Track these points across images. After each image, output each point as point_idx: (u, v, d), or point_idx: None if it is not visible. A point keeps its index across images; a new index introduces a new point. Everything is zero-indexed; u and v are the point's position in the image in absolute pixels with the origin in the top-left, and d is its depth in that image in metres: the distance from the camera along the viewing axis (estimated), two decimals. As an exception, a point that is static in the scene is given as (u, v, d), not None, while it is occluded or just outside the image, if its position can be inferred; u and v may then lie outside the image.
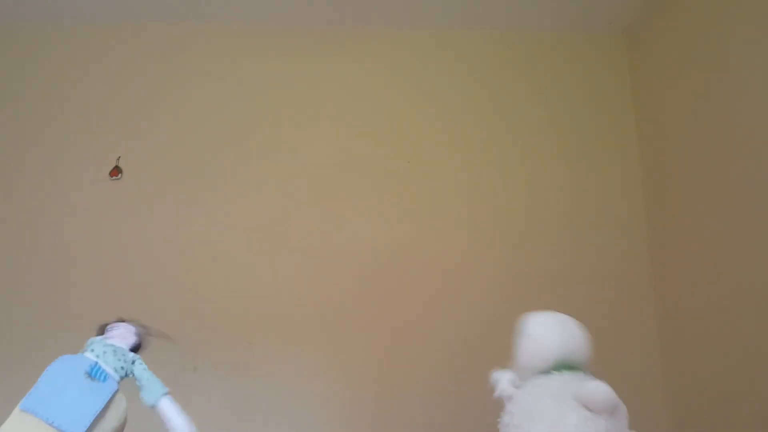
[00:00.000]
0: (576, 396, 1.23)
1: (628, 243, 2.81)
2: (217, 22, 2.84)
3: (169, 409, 1.47)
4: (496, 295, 2.70)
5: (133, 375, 1.51)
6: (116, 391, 1.44)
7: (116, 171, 2.68)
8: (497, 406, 1.43)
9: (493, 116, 2.89)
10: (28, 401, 1.35)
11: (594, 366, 2.69)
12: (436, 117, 2.87)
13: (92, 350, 1.47)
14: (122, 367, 1.48)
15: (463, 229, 2.76)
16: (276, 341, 2.58)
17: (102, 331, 1.56)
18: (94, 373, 1.43)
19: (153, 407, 1.48)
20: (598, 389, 1.22)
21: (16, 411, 1.35)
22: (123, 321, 1.59)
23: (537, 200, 2.82)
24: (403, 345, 2.63)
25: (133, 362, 1.51)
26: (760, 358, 2.10)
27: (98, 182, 2.67)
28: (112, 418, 1.43)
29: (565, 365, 1.38)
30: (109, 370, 1.45)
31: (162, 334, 1.61)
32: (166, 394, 1.49)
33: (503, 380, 1.39)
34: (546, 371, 1.39)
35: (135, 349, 1.56)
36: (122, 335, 1.53)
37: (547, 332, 1.44)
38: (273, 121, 2.80)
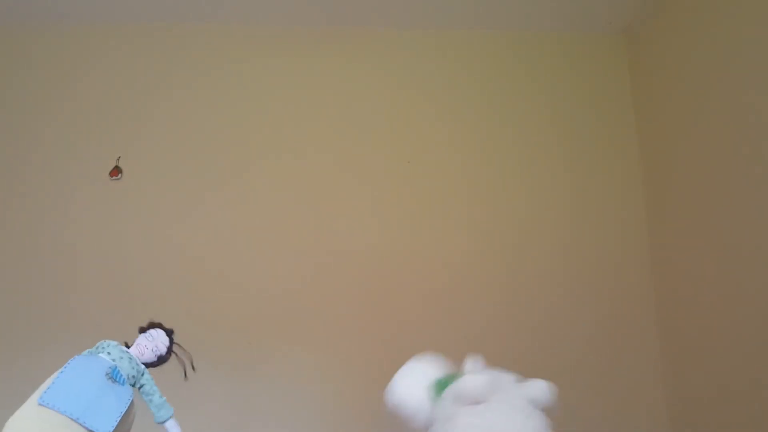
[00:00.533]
0: (528, 390, 1.27)
1: (628, 242, 2.81)
2: (218, 22, 2.84)
3: (176, 428, 1.53)
4: (496, 294, 2.70)
5: (141, 387, 1.53)
6: (132, 399, 1.46)
7: (116, 171, 2.68)
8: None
9: (493, 116, 2.89)
10: (50, 396, 1.33)
11: (594, 366, 2.71)
12: (436, 117, 2.87)
13: (108, 353, 1.48)
14: (133, 376, 1.50)
15: (464, 228, 2.76)
16: (276, 341, 2.58)
17: (147, 328, 1.58)
18: (115, 376, 1.44)
19: (161, 423, 1.52)
20: (546, 386, 1.26)
21: (33, 405, 1.32)
22: (166, 331, 1.60)
23: (537, 200, 2.82)
24: (403, 344, 2.62)
25: (142, 374, 1.53)
26: (760, 357, 2.10)
27: (98, 182, 2.67)
28: (126, 422, 1.45)
29: (441, 384, 1.41)
30: (124, 375, 1.47)
31: (186, 360, 1.62)
32: (173, 415, 1.54)
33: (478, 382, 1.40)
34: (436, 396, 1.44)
35: (149, 363, 1.57)
36: (143, 348, 1.54)
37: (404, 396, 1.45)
38: (273, 121, 2.80)
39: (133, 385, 1.51)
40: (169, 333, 1.60)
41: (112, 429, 1.36)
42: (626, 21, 2.92)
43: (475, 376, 1.27)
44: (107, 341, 1.52)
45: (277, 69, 2.86)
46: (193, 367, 1.62)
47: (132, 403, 1.45)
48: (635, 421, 2.66)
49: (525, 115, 2.90)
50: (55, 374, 1.39)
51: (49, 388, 1.35)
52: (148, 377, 1.54)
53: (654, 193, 2.79)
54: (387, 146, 2.82)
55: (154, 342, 1.55)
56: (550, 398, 1.31)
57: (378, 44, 2.92)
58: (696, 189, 2.48)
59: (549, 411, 1.42)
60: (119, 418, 1.39)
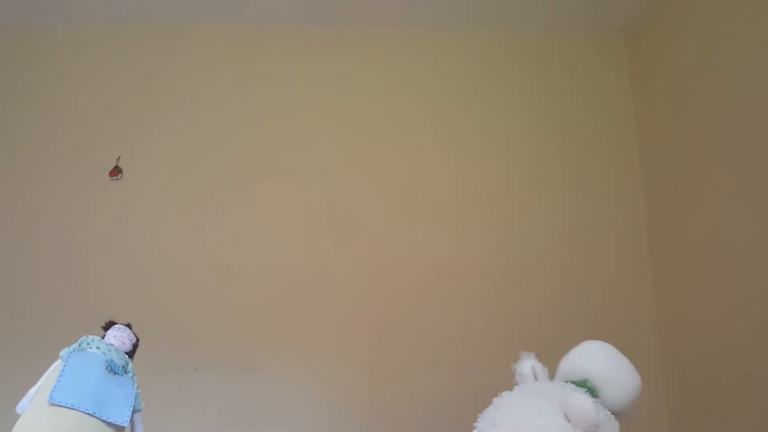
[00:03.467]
0: (561, 402, 1.22)
1: (628, 243, 2.81)
2: (218, 22, 2.84)
3: (140, 426, 1.51)
4: (497, 293, 2.70)
5: (126, 373, 1.51)
6: (133, 383, 1.48)
7: (116, 171, 2.68)
8: (490, 400, 1.43)
9: (493, 116, 2.89)
10: (60, 394, 1.31)
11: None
12: (436, 117, 2.87)
13: (98, 347, 1.47)
14: (122, 367, 1.49)
15: (465, 228, 2.77)
16: (276, 341, 2.58)
17: (108, 326, 1.56)
18: (114, 368, 1.44)
19: (133, 413, 1.50)
20: (582, 402, 1.20)
21: (43, 405, 1.30)
22: (126, 325, 1.59)
23: (537, 200, 2.82)
24: (404, 344, 2.63)
25: (128, 363, 1.52)
26: (760, 357, 2.10)
27: (98, 182, 2.67)
28: (135, 411, 1.46)
29: (582, 383, 1.38)
30: (118, 366, 1.47)
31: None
32: (142, 409, 1.52)
33: (527, 365, 1.38)
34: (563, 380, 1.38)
35: (128, 353, 1.57)
36: (121, 338, 1.53)
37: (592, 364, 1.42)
38: (273, 121, 2.80)
39: (122, 374, 1.50)
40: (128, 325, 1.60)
41: (128, 418, 1.37)
42: (626, 21, 2.93)
43: (594, 407, 1.22)
44: (90, 336, 1.50)
45: (277, 69, 2.86)
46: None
47: (133, 388, 1.47)
48: (634, 426, 2.66)
49: (525, 115, 2.90)
50: (57, 372, 1.38)
51: (57, 386, 1.33)
52: (131, 367, 1.53)
53: (654, 192, 2.79)
54: (387, 146, 2.82)
55: (125, 332, 1.55)
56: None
57: (378, 44, 2.92)
58: (696, 188, 2.48)
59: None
60: (132, 406, 1.40)
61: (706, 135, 2.41)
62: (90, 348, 1.47)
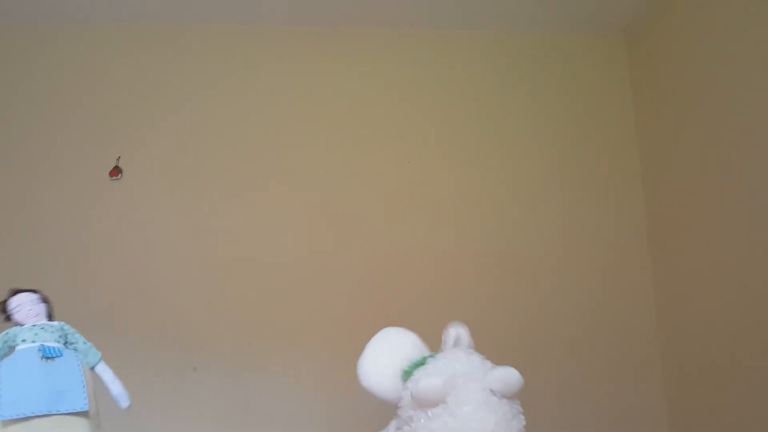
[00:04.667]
0: (489, 381, 1.24)
1: (627, 243, 2.81)
2: (218, 22, 2.83)
3: (107, 372, 1.46)
4: (497, 293, 2.71)
5: (66, 341, 1.46)
6: (78, 357, 1.42)
7: (116, 171, 2.68)
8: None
9: (493, 116, 2.89)
10: (7, 409, 1.27)
11: (592, 364, 2.71)
12: (436, 117, 2.87)
13: (23, 340, 1.40)
14: (60, 336, 1.44)
15: (465, 228, 2.77)
16: (276, 341, 2.58)
17: (3, 308, 1.47)
18: (49, 353, 1.37)
19: (91, 369, 1.46)
20: (511, 374, 1.23)
21: None
22: (18, 292, 1.50)
23: (537, 200, 2.82)
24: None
25: (62, 327, 1.46)
26: (760, 357, 2.10)
27: (98, 182, 2.67)
28: (88, 383, 1.41)
29: (408, 372, 1.38)
30: (53, 345, 1.40)
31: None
32: (101, 358, 1.47)
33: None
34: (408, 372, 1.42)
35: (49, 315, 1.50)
36: (35, 312, 1.46)
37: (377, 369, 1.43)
38: (273, 121, 2.80)
39: (66, 344, 1.45)
40: (16, 290, 1.51)
41: (86, 399, 1.33)
42: (626, 21, 2.92)
43: (430, 380, 1.24)
44: (8, 332, 1.42)
45: (277, 69, 2.85)
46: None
47: (81, 365, 1.41)
48: (635, 420, 2.66)
49: (525, 115, 2.90)
50: None
51: (1, 402, 1.28)
52: (68, 327, 1.47)
53: (654, 192, 2.79)
54: (387, 146, 2.82)
55: (28, 304, 1.47)
56: (516, 385, 1.27)
57: (378, 44, 2.92)
58: (696, 188, 2.48)
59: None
60: (84, 386, 1.35)
61: (706, 135, 2.41)
62: (17, 343, 1.39)
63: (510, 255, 2.75)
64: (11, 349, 1.40)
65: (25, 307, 1.46)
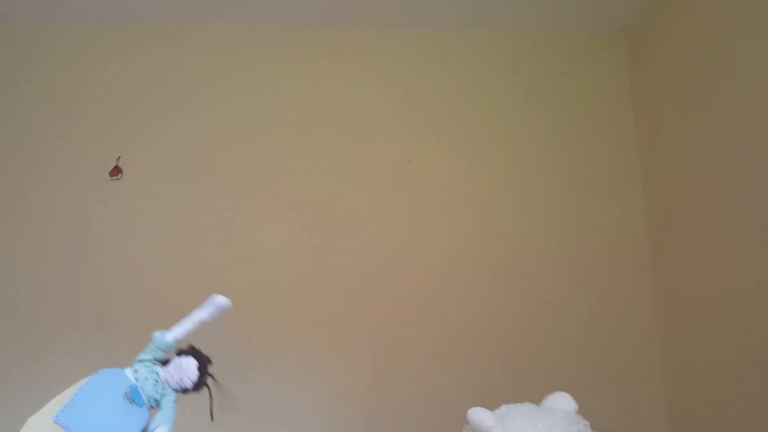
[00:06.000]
0: None
1: (627, 243, 2.81)
2: (218, 22, 2.84)
3: None
4: (497, 294, 2.71)
5: (159, 405, 1.49)
6: (148, 422, 1.44)
7: (116, 171, 2.68)
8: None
9: (493, 116, 2.89)
10: (65, 415, 1.33)
11: (590, 364, 2.71)
12: (436, 117, 2.87)
13: (135, 371, 1.45)
14: (155, 399, 1.47)
15: (465, 229, 2.77)
16: (275, 341, 2.58)
17: (184, 353, 1.51)
18: (133, 397, 1.42)
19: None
20: None
21: (49, 421, 1.32)
22: (198, 356, 1.53)
23: (537, 200, 2.82)
24: (403, 345, 2.64)
25: (168, 395, 1.49)
26: (760, 357, 2.10)
27: (98, 182, 2.67)
28: None
29: None
30: (143, 396, 1.44)
31: (213, 400, 1.55)
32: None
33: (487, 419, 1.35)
34: None
35: (182, 389, 1.52)
36: (172, 377, 1.48)
37: None
38: (273, 121, 2.81)
39: (155, 406, 1.48)
40: (203, 364, 1.52)
41: None
42: (626, 21, 2.92)
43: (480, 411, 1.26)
44: (143, 357, 1.47)
45: (277, 69, 2.86)
46: (212, 414, 1.54)
47: (147, 427, 1.43)
48: (635, 420, 2.66)
49: (525, 115, 2.90)
50: (76, 389, 1.38)
51: (66, 406, 1.35)
52: (169, 401, 1.49)
53: (654, 192, 2.79)
54: (387, 146, 2.82)
55: (180, 374, 1.49)
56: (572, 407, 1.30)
57: (378, 44, 2.92)
58: (696, 188, 2.48)
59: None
60: None
61: (706, 134, 2.41)
62: (128, 369, 1.45)
63: (510, 255, 2.75)
64: (153, 361, 1.47)
65: (180, 375, 1.49)
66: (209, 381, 1.53)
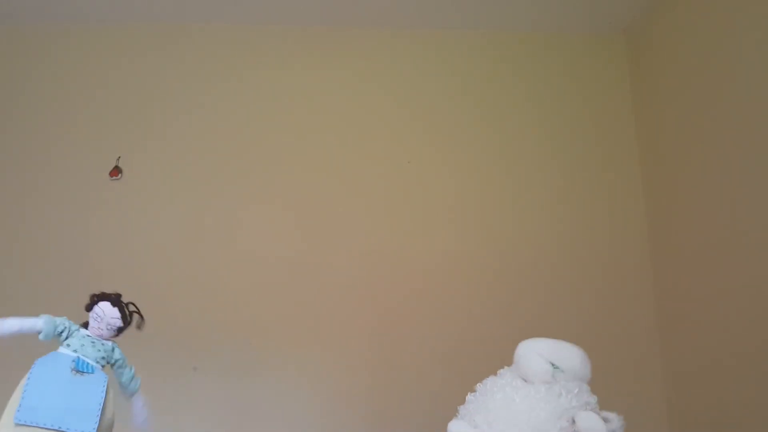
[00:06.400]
0: (570, 418, 1.25)
1: (627, 244, 2.81)
2: (218, 22, 2.84)
3: (139, 400, 1.50)
4: (497, 294, 2.70)
5: (113, 363, 1.48)
6: (107, 381, 1.43)
7: (116, 171, 2.68)
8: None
9: (493, 116, 2.89)
10: (24, 413, 1.31)
11: (593, 366, 2.70)
12: (436, 117, 2.87)
13: (68, 345, 1.43)
14: (103, 357, 1.46)
15: (465, 229, 2.76)
16: (275, 341, 2.58)
17: (93, 302, 1.50)
18: (81, 367, 1.40)
19: (129, 394, 1.49)
20: (591, 421, 1.24)
21: (11, 425, 1.30)
22: (107, 299, 1.50)
23: (537, 200, 2.82)
24: (407, 345, 2.64)
25: (113, 350, 1.49)
26: (760, 356, 2.10)
27: (98, 182, 2.67)
28: (109, 408, 1.42)
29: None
30: (91, 361, 1.43)
31: (139, 322, 1.53)
32: (139, 388, 1.50)
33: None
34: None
35: (116, 330, 1.51)
36: (98, 329, 1.47)
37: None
38: (273, 121, 2.81)
39: (107, 365, 1.47)
40: (116, 301, 1.50)
41: (96, 424, 1.34)
42: (626, 21, 2.92)
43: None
44: (69, 326, 1.46)
45: (278, 69, 2.86)
46: (139, 327, 1.52)
47: (107, 387, 1.42)
48: (636, 421, 2.66)
49: (525, 115, 2.90)
50: (22, 387, 1.36)
51: (21, 404, 1.33)
52: (119, 352, 1.49)
53: (654, 192, 2.79)
54: (387, 146, 2.82)
55: (104, 321, 1.47)
56: None
57: (378, 45, 2.92)
58: (696, 188, 2.48)
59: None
60: (99, 410, 1.36)
61: (706, 134, 2.41)
62: (62, 345, 1.43)
63: (510, 255, 2.75)
64: (57, 337, 1.44)
65: (100, 322, 1.48)
66: (130, 308, 1.52)
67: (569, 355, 1.47)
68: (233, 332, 2.58)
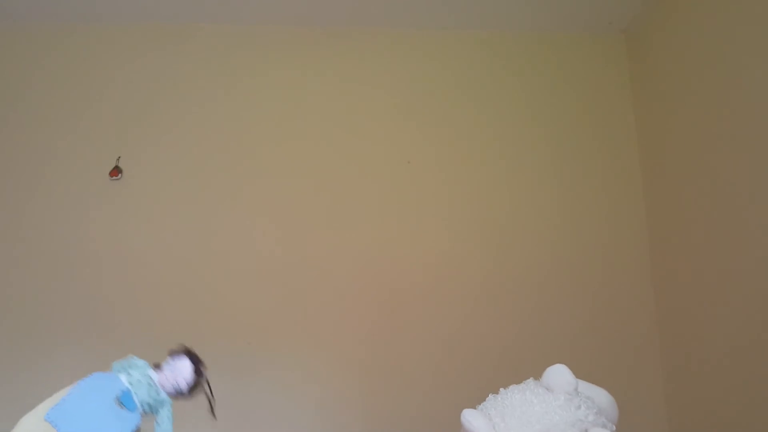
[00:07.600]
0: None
1: (627, 243, 2.81)
2: (218, 22, 2.84)
3: None
4: (497, 295, 2.70)
5: (156, 415, 1.48)
6: (138, 426, 1.44)
7: (116, 171, 2.68)
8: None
9: (493, 116, 2.89)
10: (55, 413, 1.34)
11: (589, 366, 2.70)
12: (436, 117, 2.87)
13: (129, 374, 1.45)
14: (149, 404, 1.46)
15: (465, 229, 2.76)
16: (274, 341, 2.58)
17: (175, 354, 1.50)
18: (124, 401, 1.42)
19: None
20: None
21: (40, 419, 1.33)
22: (191, 356, 1.51)
23: (537, 200, 2.82)
24: (406, 345, 2.64)
25: (163, 406, 1.49)
26: (759, 356, 2.10)
27: (98, 182, 2.67)
28: None
29: None
30: (137, 401, 1.44)
31: (209, 398, 1.54)
32: None
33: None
34: None
35: (177, 392, 1.51)
36: (168, 379, 1.47)
37: None
38: (273, 121, 2.81)
39: (149, 412, 1.47)
40: (196, 365, 1.51)
41: None
42: (626, 21, 2.92)
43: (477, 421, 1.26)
44: (136, 359, 1.47)
45: (278, 69, 2.86)
46: (213, 413, 1.53)
47: (135, 431, 1.44)
48: (636, 421, 2.66)
49: (525, 115, 2.90)
50: (67, 389, 1.39)
51: (57, 405, 1.35)
52: (167, 411, 1.49)
53: (654, 192, 2.79)
54: (387, 146, 2.82)
55: (174, 376, 1.48)
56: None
57: (378, 44, 2.92)
58: (696, 187, 2.48)
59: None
60: None
61: (706, 134, 2.41)
62: (122, 372, 1.45)
63: (509, 254, 2.75)
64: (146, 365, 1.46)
65: (175, 378, 1.48)
66: (204, 382, 1.52)
67: (599, 393, 1.47)
68: (233, 333, 2.58)
